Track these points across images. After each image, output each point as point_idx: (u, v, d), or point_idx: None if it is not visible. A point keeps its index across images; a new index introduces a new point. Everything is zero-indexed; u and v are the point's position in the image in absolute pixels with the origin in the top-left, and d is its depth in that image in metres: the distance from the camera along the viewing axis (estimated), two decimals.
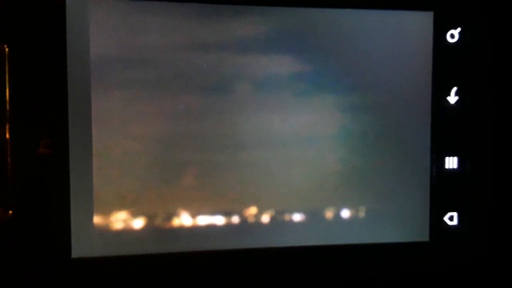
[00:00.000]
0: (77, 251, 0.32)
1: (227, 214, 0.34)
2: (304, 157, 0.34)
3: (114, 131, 0.32)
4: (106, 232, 0.33)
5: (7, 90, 0.31)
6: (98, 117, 0.32)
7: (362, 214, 0.35)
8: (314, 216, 0.35)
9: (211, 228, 0.34)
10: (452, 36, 0.36)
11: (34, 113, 0.31)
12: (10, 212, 0.31)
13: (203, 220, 0.34)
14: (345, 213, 0.35)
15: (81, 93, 0.32)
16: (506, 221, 0.36)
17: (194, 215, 0.33)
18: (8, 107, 0.31)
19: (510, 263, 0.37)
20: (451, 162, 0.36)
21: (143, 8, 0.32)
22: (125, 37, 0.32)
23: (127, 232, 0.33)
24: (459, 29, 0.35)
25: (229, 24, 0.33)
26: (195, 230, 0.34)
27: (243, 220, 0.34)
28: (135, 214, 0.33)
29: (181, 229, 0.33)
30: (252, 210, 0.34)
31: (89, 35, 0.32)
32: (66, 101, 0.31)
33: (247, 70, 0.33)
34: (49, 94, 0.31)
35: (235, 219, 0.34)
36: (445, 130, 0.36)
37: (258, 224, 0.34)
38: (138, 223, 0.33)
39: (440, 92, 0.35)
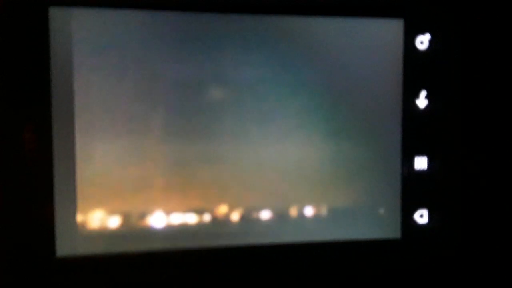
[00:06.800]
0: (61, 250, 0.33)
1: (202, 211, 0.35)
2: (275, 156, 0.35)
3: (97, 131, 0.33)
4: (90, 231, 0.33)
5: None
6: (81, 118, 0.33)
7: (334, 212, 0.36)
8: (284, 214, 0.36)
9: (185, 226, 0.35)
10: (422, 42, 0.37)
11: (18, 113, 0.32)
12: None
13: (179, 218, 0.35)
14: (317, 211, 0.36)
15: (64, 93, 0.33)
16: (474, 218, 0.38)
17: (174, 213, 0.34)
18: None
19: (479, 260, 0.38)
20: (420, 162, 0.37)
21: (126, 17, 0.33)
22: (108, 45, 0.33)
23: (111, 231, 0.34)
24: (428, 36, 0.37)
25: (208, 32, 0.34)
26: (175, 229, 0.35)
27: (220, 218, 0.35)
28: (118, 213, 0.34)
29: (165, 228, 0.34)
30: (223, 209, 0.35)
31: (72, 44, 0.32)
32: (49, 98, 0.32)
33: (220, 73, 0.34)
34: (33, 90, 0.32)
35: (207, 218, 0.35)
36: (415, 132, 0.37)
37: (228, 222, 0.35)
38: (122, 221, 0.34)
39: (410, 96, 0.37)
